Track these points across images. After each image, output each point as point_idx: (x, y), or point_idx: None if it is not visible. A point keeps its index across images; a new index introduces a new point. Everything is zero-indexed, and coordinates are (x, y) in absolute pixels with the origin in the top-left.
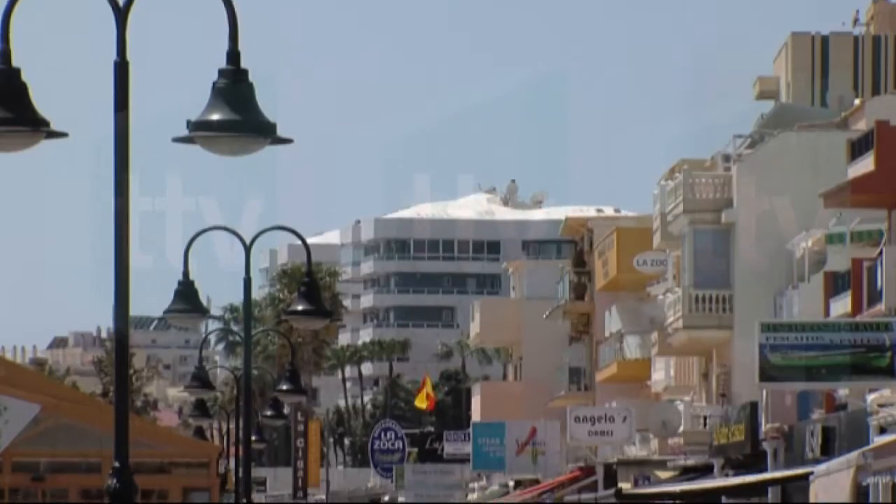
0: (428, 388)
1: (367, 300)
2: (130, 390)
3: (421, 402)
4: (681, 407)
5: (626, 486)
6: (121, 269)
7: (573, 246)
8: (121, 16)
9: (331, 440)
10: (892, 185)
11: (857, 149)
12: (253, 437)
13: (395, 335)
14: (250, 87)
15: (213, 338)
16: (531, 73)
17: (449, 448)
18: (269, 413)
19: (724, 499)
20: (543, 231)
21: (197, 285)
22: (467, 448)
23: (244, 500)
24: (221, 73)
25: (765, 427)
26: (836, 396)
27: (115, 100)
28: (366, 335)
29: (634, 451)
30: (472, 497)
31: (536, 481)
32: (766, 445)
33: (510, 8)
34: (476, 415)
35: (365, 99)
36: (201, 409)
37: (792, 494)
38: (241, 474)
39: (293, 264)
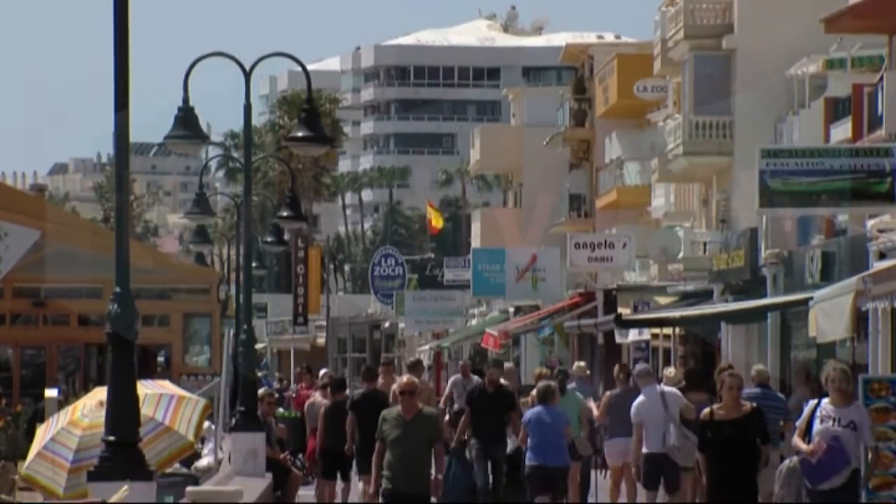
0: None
1: (367, 127)
2: (131, 216)
3: (437, 222)
4: (680, 233)
5: (625, 312)
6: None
7: (573, 72)
8: None
9: (331, 266)
10: (893, 10)
11: None
12: (253, 264)
13: (395, 162)
14: None
15: (213, 164)
16: None
17: (449, 274)
18: (269, 239)
19: (723, 324)
20: (543, 57)
21: (197, 112)
22: (467, 274)
23: (245, 326)
24: None
25: (764, 253)
26: (836, 222)
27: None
28: (366, 162)
29: (634, 277)
30: (473, 323)
31: (536, 307)
32: (765, 271)
33: None
34: (476, 241)
35: None
36: (202, 235)
37: (791, 320)
38: (241, 300)
39: (293, 91)
